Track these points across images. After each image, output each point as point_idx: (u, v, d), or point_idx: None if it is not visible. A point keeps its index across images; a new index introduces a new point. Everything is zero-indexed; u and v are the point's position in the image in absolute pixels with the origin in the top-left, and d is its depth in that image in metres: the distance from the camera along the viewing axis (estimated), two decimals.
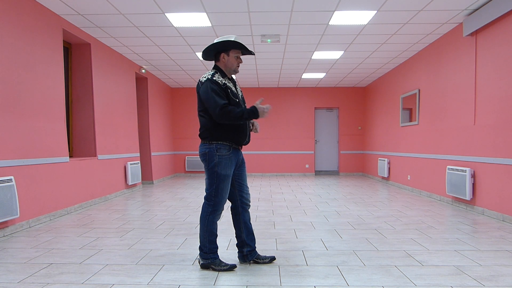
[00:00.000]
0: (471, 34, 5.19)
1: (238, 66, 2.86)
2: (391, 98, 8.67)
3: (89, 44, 5.97)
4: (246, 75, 9.33)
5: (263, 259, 2.95)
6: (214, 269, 2.78)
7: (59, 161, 4.97)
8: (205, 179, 2.82)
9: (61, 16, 5.11)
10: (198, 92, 2.80)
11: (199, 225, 2.85)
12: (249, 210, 5.34)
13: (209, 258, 2.80)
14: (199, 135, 2.85)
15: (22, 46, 4.31)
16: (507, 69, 4.48)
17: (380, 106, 9.57)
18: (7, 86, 4.06)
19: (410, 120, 7.46)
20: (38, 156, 4.53)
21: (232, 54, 2.80)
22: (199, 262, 2.88)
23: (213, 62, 3.11)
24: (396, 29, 5.72)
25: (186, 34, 5.96)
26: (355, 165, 11.29)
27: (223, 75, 2.82)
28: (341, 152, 11.28)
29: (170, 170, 10.70)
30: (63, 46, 5.75)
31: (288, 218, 4.72)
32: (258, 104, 2.70)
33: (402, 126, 7.93)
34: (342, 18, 5.24)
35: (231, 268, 2.79)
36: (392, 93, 8.59)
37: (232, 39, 2.74)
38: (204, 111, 2.78)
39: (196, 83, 10.75)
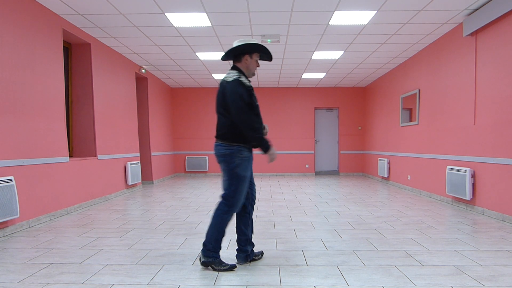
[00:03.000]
0: (471, 34, 5.19)
1: (255, 70, 2.93)
2: (391, 98, 8.67)
3: (89, 44, 5.97)
4: None
5: (257, 255, 3.02)
6: (214, 269, 2.78)
7: (59, 161, 4.97)
8: (224, 180, 2.80)
9: (61, 16, 5.11)
10: (221, 91, 2.78)
11: (210, 221, 2.81)
12: None
13: (211, 256, 2.78)
14: (219, 135, 2.80)
15: (22, 46, 4.31)
16: (507, 69, 4.49)
17: (380, 106, 9.57)
18: (7, 86, 4.06)
19: (410, 120, 7.46)
20: (38, 156, 4.53)
21: (255, 57, 2.86)
22: (200, 259, 2.85)
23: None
24: (396, 29, 5.72)
25: (186, 34, 5.97)
26: (355, 165, 11.30)
27: (245, 77, 2.84)
28: (341, 152, 11.28)
29: (170, 170, 10.70)
30: (63, 46, 5.76)
31: (288, 218, 4.72)
32: (274, 149, 2.78)
33: (402, 126, 7.93)
34: (342, 18, 5.24)
35: (231, 268, 2.79)
36: (392, 93, 8.59)
37: (258, 43, 2.80)
38: (227, 110, 2.74)
39: (193, 83, 10.64)
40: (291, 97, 11.21)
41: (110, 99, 6.67)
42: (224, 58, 2.92)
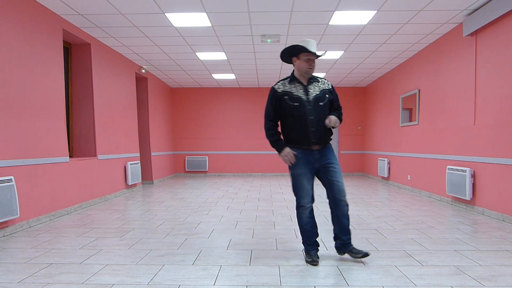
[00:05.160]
0: (471, 34, 5.19)
1: (311, 68, 2.98)
2: (391, 98, 8.67)
3: (89, 44, 5.97)
4: (246, 75, 9.33)
5: (356, 254, 3.03)
6: (305, 257, 3.05)
7: (59, 161, 4.97)
8: None
9: (61, 16, 5.11)
10: None
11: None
12: (250, 209, 5.33)
13: (304, 246, 3.08)
14: None
15: (22, 46, 4.31)
16: (507, 69, 4.48)
17: (380, 106, 9.57)
18: (7, 86, 4.06)
19: (410, 120, 7.47)
20: (38, 156, 4.53)
21: (302, 57, 2.95)
22: None
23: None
24: (396, 29, 5.72)
25: (186, 34, 5.97)
26: (355, 165, 11.30)
27: (292, 79, 3.02)
28: (341, 152, 11.28)
29: (170, 170, 10.70)
30: (63, 46, 5.76)
31: (288, 218, 4.72)
32: (287, 150, 2.96)
33: (402, 126, 7.93)
34: (342, 18, 5.24)
35: (310, 263, 2.94)
36: (392, 93, 8.59)
37: (296, 44, 2.92)
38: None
39: (193, 83, 10.67)
40: None
41: (110, 99, 6.67)
42: (283, 61, 3.15)
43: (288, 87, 2.99)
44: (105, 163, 6.40)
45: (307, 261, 2.97)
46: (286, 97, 2.96)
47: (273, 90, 3.03)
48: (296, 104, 2.94)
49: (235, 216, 4.87)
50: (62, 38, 5.23)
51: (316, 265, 2.91)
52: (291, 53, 2.98)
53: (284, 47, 3.08)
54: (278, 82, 3.06)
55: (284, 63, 7.97)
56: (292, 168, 3.02)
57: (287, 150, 2.95)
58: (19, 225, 4.15)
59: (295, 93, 2.97)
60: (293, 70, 3.06)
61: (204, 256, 3.16)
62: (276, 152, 3.24)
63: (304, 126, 2.93)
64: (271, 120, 3.02)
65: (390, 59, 7.62)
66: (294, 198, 3.12)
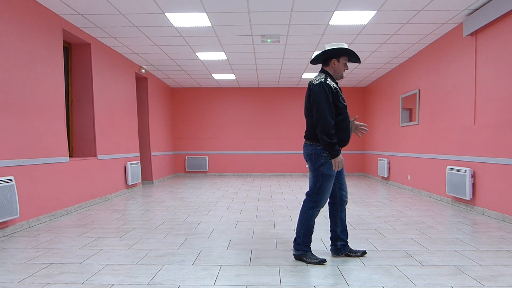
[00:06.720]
0: (471, 34, 5.19)
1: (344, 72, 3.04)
2: (391, 98, 8.67)
3: (89, 44, 5.97)
4: (246, 75, 9.33)
5: (355, 253, 3.10)
6: (305, 261, 2.95)
7: (59, 161, 4.97)
8: (310, 177, 2.97)
9: (61, 16, 5.11)
10: (308, 93, 2.94)
11: (298, 217, 3.02)
12: (250, 209, 5.34)
13: (301, 249, 2.98)
14: (306, 136, 2.99)
15: (22, 46, 4.31)
16: (507, 69, 4.49)
17: (380, 106, 9.57)
18: (7, 86, 4.06)
19: (410, 120, 7.47)
20: (38, 156, 4.53)
21: (342, 60, 2.97)
22: (293, 253, 3.06)
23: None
24: (396, 29, 5.72)
25: (186, 34, 5.97)
26: (355, 165, 11.30)
27: (332, 78, 2.97)
28: (341, 152, 11.28)
29: (170, 170, 10.70)
30: (63, 46, 5.76)
31: (288, 218, 4.72)
32: (341, 157, 2.83)
33: (402, 126, 7.93)
34: (342, 18, 5.24)
35: (321, 262, 2.91)
36: (392, 93, 8.59)
37: (343, 47, 2.90)
38: (311, 112, 2.91)
39: (193, 83, 10.66)
40: (291, 97, 11.21)
41: (110, 99, 6.67)
42: (313, 62, 3.08)
43: (335, 85, 2.90)
44: (105, 163, 6.40)
45: (313, 262, 2.91)
46: (340, 93, 2.89)
47: (327, 85, 2.82)
48: (344, 103, 2.92)
49: (235, 216, 4.87)
50: (62, 38, 5.23)
51: (326, 261, 2.93)
52: (333, 54, 2.93)
53: (328, 46, 3.00)
54: (327, 77, 2.89)
55: (284, 63, 7.99)
56: (328, 168, 2.86)
57: (341, 157, 2.84)
58: (19, 225, 4.15)
59: (340, 93, 2.93)
60: (323, 70, 3.00)
61: (204, 256, 3.16)
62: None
63: (349, 127, 2.94)
64: (333, 118, 2.80)
65: (390, 59, 7.62)
66: (303, 198, 3.04)
